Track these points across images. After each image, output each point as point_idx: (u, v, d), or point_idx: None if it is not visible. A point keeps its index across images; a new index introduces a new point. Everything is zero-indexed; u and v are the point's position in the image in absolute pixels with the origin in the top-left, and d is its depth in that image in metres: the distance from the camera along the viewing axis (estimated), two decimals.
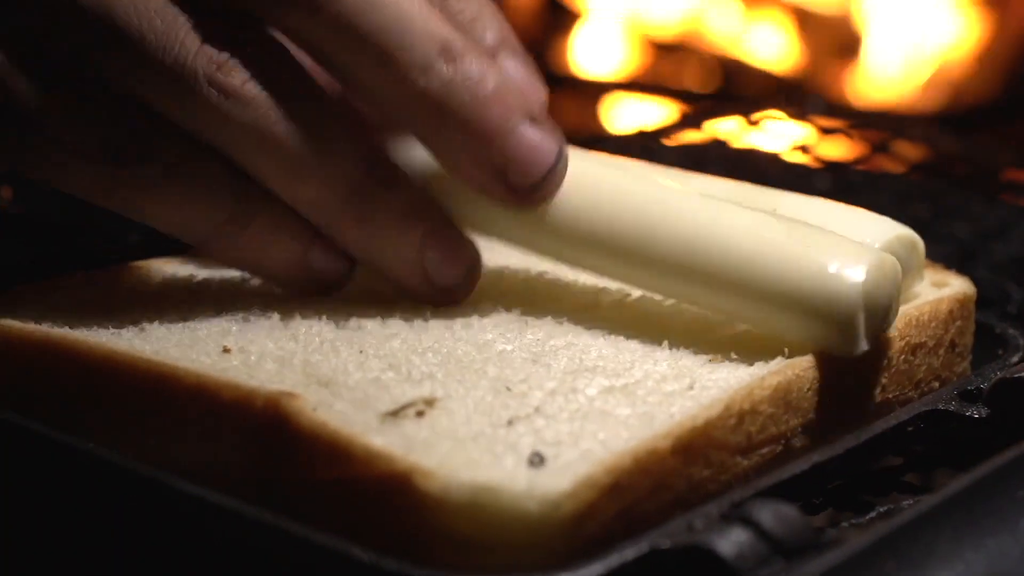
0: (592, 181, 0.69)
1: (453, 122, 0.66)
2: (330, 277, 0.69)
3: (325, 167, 0.66)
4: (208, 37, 0.65)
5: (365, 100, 0.68)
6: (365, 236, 0.68)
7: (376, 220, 0.67)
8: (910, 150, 1.20)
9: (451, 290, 0.69)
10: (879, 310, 0.65)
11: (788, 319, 0.65)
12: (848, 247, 0.66)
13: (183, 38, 0.65)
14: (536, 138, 0.66)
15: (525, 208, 0.68)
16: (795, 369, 0.64)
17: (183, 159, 0.66)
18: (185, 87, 0.65)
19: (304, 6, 0.66)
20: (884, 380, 0.69)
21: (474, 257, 0.70)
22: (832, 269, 0.64)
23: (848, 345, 0.64)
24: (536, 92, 0.70)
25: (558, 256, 0.70)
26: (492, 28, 0.71)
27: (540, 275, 0.74)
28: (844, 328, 0.64)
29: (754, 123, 1.23)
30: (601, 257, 0.68)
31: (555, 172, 0.67)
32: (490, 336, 0.66)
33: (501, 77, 0.67)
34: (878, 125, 1.28)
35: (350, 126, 0.68)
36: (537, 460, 0.55)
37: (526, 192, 0.67)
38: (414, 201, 0.68)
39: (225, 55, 0.65)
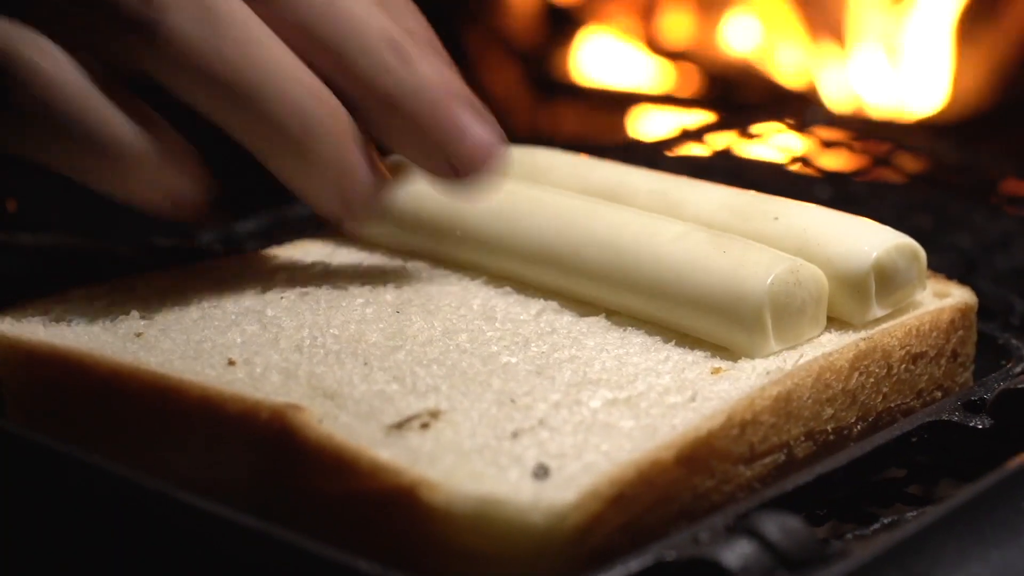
0: (533, 203, 0.75)
1: (405, 116, 0.69)
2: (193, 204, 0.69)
3: (264, 104, 0.66)
4: None
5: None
6: (299, 167, 0.68)
7: (313, 155, 0.68)
8: (911, 161, 1.20)
9: (359, 219, 0.71)
10: (790, 314, 0.67)
11: (704, 320, 0.67)
12: (762, 254, 0.68)
13: None
14: (482, 132, 0.70)
15: (468, 192, 0.71)
16: (795, 379, 0.64)
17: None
18: (115, 26, 0.65)
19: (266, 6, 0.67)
20: (885, 389, 0.69)
21: (388, 189, 0.72)
22: (741, 272, 0.67)
23: (756, 346, 0.66)
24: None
25: (510, 272, 0.74)
26: (419, 25, 0.73)
27: (542, 288, 0.74)
28: (751, 328, 0.66)
29: (755, 135, 1.23)
30: (542, 271, 0.73)
31: (496, 156, 0.70)
32: (494, 348, 0.67)
33: (451, 75, 0.70)
34: (879, 136, 1.27)
35: (292, 59, 0.67)
36: (542, 472, 0.56)
37: (472, 175, 0.70)
38: (350, 137, 0.69)
39: None
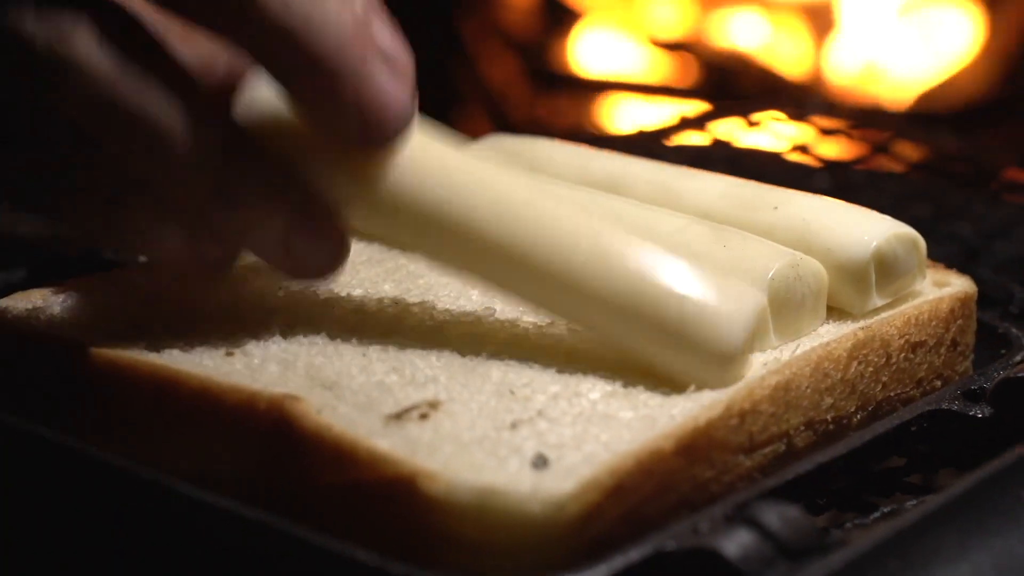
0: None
1: (310, 58, 0.63)
2: (216, 262, 0.66)
3: (180, 143, 0.63)
4: (44, 5, 0.61)
5: (221, 35, 0.64)
6: (231, 218, 0.64)
7: (240, 201, 0.64)
8: (910, 150, 1.20)
9: (318, 269, 0.66)
10: (790, 309, 0.67)
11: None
12: (762, 248, 0.67)
13: (16, 7, 0.61)
14: (390, 82, 0.64)
15: (371, 151, 0.65)
16: (794, 368, 0.64)
17: (50, 147, 0.64)
18: (25, 62, 0.61)
19: None
20: (885, 378, 0.69)
21: (340, 235, 0.67)
22: (741, 267, 0.65)
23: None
24: (405, 60, 0.66)
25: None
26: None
27: None
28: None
29: (754, 124, 1.23)
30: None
31: (405, 117, 0.65)
32: (494, 340, 0.66)
33: (361, 16, 0.64)
34: (878, 125, 1.28)
35: (202, 100, 0.64)
36: (541, 462, 0.56)
37: (375, 135, 0.64)
38: (277, 179, 0.65)
39: (66, 25, 0.61)
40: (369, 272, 0.74)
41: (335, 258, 0.66)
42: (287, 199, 0.65)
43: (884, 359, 0.69)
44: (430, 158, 0.66)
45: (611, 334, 0.64)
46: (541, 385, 0.62)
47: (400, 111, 0.64)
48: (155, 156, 0.63)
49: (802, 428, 0.64)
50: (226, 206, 0.64)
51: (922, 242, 0.72)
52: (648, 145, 1.14)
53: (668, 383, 0.62)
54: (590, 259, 0.63)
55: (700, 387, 0.62)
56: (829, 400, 0.66)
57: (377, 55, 0.64)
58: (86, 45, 0.62)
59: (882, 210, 0.73)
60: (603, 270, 0.63)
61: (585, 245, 0.64)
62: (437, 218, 0.65)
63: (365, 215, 0.66)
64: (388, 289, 0.72)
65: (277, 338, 0.66)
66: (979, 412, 0.67)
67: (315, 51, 0.62)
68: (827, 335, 0.68)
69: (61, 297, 0.70)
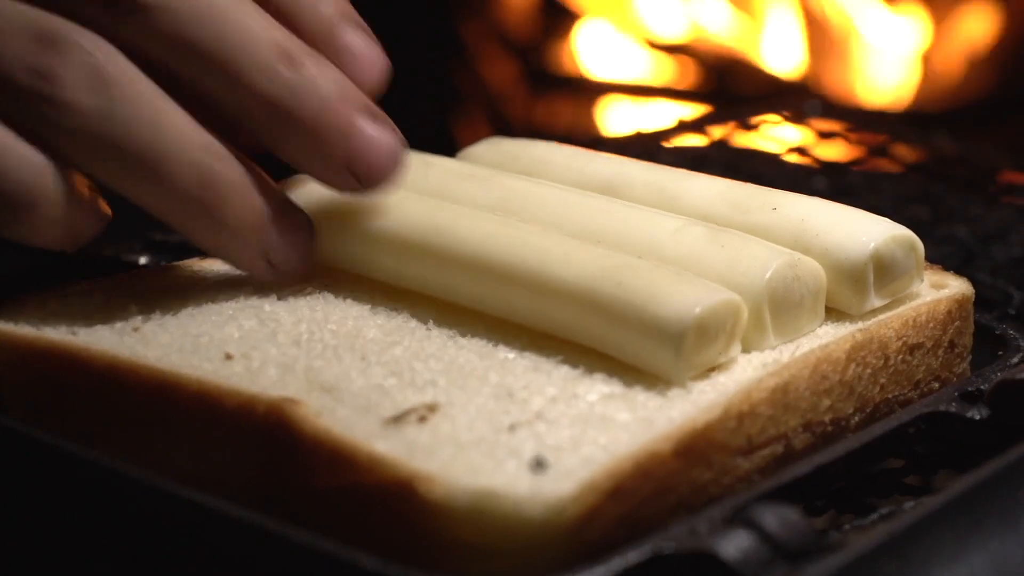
0: (528, 197, 0.73)
1: (299, 124, 0.67)
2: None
3: (165, 166, 0.65)
4: (30, 44, 0.63)
5: (210, 108, 0.68)
6: (211, 229, 0.67)
7: (220, 213, 0.67)
8: (908, 152, 1.20)
9: (289, 272, 0.70)
10: (788, 308, 0.67)
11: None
12: (760, 248, 0.67)
13: (7, 49, 0.63)
14: (376, 132, 0.69)
15: (374, 195, 0.70)
16: (792, 370, 0.64)
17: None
18: (12, 99, 0.63)
19: (138, 21, 0.65)
20: (883, 380, 0.69)
21: (311, 236, 0.71)
22: (739, 267, 0.66)
23: (755, 341, 0.66)
24: (379, 63, 0.71)
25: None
26: (329, 1, 0.71)
27: None
28: (750, 322, 0.65)
29: (752, 127, 1.23)
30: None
31: (396, 160, 0.70)
32: (491, 343, 0.67)
33: (340, 77, 0.69)
34: (875, 127, 1.27)
35: (187, 120, 0.66)
36: (539, 465, 0.56)
37: (373, 182, 0.69)
38: (256, 189, 0.68)
39: (50, 63, 0.63)
40: (368, 276, 0.74)
41: (307, 256, 0.71)
42: (267, 203, 0.68)
43: (882, 361, 0.69)
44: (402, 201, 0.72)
45: (577, 322, 0.65)
46: (539, 387, 0.62)
47: (390, 154, 0.69)
48: (142, 179, 0.65)
49: (800, 430, 0.64)
50: (211, 216, 0.67)
51: (920, 244, 0.72)
52: (646, 148, 1.14)
53: (666, 384, 0.63)
54: (564, 263, 0.66)
55: (657, 374, 0.62)
56: (827, 402, 0.66)
57: (362, 110, 0.69)
58: (72, 84, 0.63)
59: (880, 212, 0.73)
60: (577, 269, 0.65)
61: (558, 252, 0.67)
62: (411, 250, 0.70)
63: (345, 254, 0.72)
64: (386, 293, 0.72)
65: (276, 341, 0.66)
66: (976, 414, 0.67)
67: (300, 116, 0.67)
68: (825, 337, 0.68)
69: (61, 299, 0.70)
